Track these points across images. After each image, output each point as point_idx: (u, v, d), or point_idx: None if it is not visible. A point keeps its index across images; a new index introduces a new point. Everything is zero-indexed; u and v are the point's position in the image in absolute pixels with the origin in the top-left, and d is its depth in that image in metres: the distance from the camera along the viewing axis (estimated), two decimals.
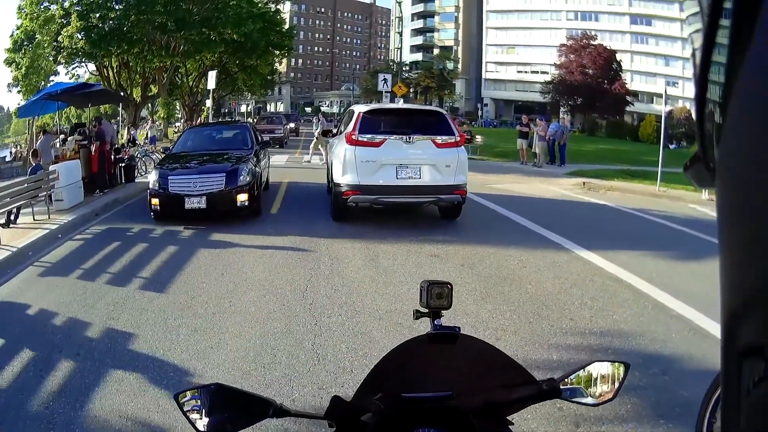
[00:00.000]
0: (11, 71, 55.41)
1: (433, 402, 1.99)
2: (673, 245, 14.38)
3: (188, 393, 1.93)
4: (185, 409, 1.88)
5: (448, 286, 2.23)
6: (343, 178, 14.96)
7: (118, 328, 8.87)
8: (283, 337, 8.36)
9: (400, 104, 24.36)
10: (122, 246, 14.03)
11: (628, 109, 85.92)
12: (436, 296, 2.20)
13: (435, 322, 2.19)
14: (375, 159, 14.72)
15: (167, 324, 8.98)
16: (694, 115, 0.87)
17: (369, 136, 14.88)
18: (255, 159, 17.82)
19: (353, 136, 14.90)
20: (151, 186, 16.41)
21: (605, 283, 10.96)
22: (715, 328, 8.55)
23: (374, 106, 17.29)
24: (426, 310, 2.23)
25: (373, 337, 8.31)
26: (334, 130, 19.65)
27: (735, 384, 0.77)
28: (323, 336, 8.40)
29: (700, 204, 21.99)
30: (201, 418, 1.87)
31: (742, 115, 0.73)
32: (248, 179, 16.27)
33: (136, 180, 25.32)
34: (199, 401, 1.91)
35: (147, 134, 48.62)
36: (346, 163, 14.91)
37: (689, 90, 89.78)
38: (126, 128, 41.70)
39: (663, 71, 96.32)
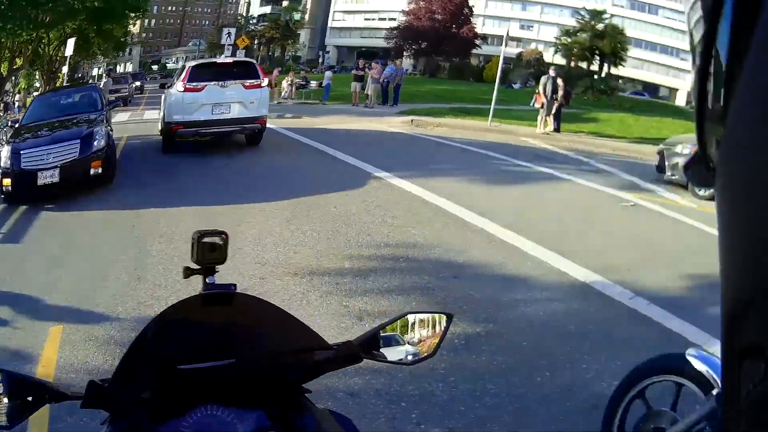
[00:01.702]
0: None
1: (215, 372, 1.84)
2: (486, 172, 15.33)
3: None
4: None
5: (223, 236, 2.00)
6: (173, 118, 18.18)
7: None
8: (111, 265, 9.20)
9: (223, 58, 27.14)
10: None
11: (475, 51, 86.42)
12: (209, 249, 1.98)
13: (207, 280, 1.99)
14: (197, 100, 18.03)
15: (19, 268, 9.64)
16: (694, 115, 0.90)
17: (194, 83, 18.22)
18: (107, 121, 16.74)
19: (183, 84, 18.35)
20: (2, 165, 14.24)
21: (410, 205, 11.70)
22: (515, 239, 9.59)
23: (201, 61, 22.62)
24: (198, 267, 2.00)
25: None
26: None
27: (735, 384, 0.76)
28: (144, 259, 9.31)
29: (533, 137, 23.01)
30: None
31: (742, 114, 0.73)
32: (103, 143, 14.90)
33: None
34: None
35: (14, 105, 48.72)
36: (175, 105, 18.36)
37: (545, 33, 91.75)
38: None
39: (518, 15, 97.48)
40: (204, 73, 18.85)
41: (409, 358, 2.04)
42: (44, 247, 10.66)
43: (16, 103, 52.37)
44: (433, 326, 2.06)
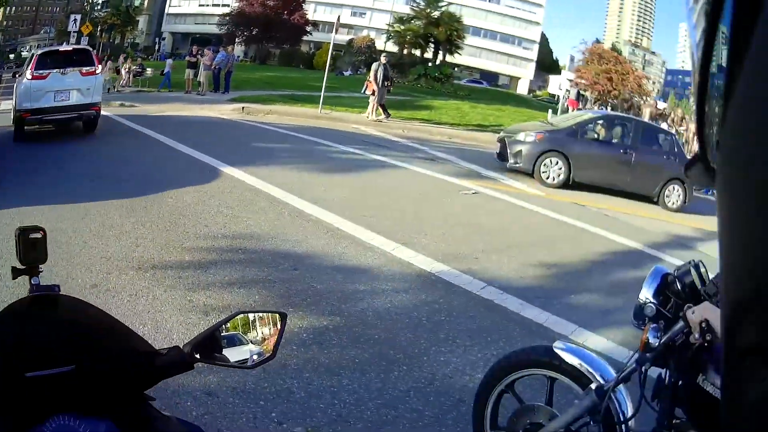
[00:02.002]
0: None
1: (59, 380, 1.67)
2: (318, 160, 15.34)
3: None
4: None
5: (41, 232, 1.92)
6: (22, 105, 18.38)
7: None
8: None
9: (65, 46, 26.89)
10: None
11: (305, 38, 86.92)
12: (31, 247, 1.90)
13: (32, 281, 1.88)
14: (42, 88, 18.45)
15: None
16: (694, 115, 0.88)
17: (40, 71, 18.82)
18: None
19: (31, 72, 18.92)
20: None
21: (243, 194, 11.50)
22: (353, 229, 9.49)
23: (46, 49, 23.24)
24: (23, 267, 1.90)
25: None
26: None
27: (735, 384, 0.77)
28: None
29: (365, 124, 23.26)
30: None
31: (742, 114, 0.72)
32: None
33: None
34: None
35: None
36: (24, 93, 18.58)
37: (377, 20, 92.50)
38: None
39: (351, 2, 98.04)
40: (49, 61, 19.54)
41: (255, 358, 1.91)
42: None
43: None
44: (273, 324, 1.96)
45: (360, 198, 11.81)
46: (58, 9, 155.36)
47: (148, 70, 42.05)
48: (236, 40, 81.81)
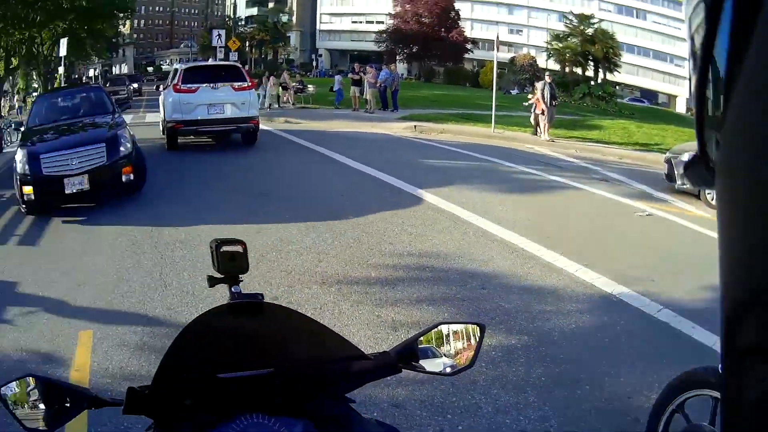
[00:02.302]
0: None
1: (254, 381, 1.79)
2: (496, 180, 15.37)
3: (10, 387, 1.79)
4: (10, 404, 1.76)
5: (242, 245, 1.98)
6: (172, 116, 19.87)
7: (4, 279, 9.32)
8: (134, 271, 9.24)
9: (210, 62, 31.26)
10: None
11: (467, 56, 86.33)
12: (228, 259, 1.97)
13: (233, 289, 1.95)
14: (192, 101, 19.95)
15: (44, 270, 9.60)
16: (694, 115, 0.89)
17: (188, 85, 20.27)
18: (125, 123, 15.60)
19: (177, 86, 20.47)
20: (19, 170, 12.74)
21: (426, 213, 11.73)
22: (537, 250, 9.59)
23: (191, 64, 25.86)
24: (221, 276, 1.99)
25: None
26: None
27: (735, 384, 0.76)
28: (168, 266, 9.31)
29: (538, 144, 23.08)
30: (27, 413, 1.77)
31: (742, 114, 0.73)
32: (129, 147, 13.80)
33: (4, 150, 25.24)
34: (13, 395, 1.78)
35: (16, 105, 50.39)
36: (173, 105, 20.14)
37: (534, 38, 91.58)
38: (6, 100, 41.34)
39: (506, 19, 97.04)
40: (195, 76, 21.05)
41: (448, 369, 2.02)
42: (62, 249, 10.65)
43: (17, 104, 53.16)
44: (467, 337, 2.04)
45: (541, 218, 11.83)
46: (196, 24, 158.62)
47: (310, 87, 42.34)
48: (396, 57, 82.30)
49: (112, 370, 6.28)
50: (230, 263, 1.96)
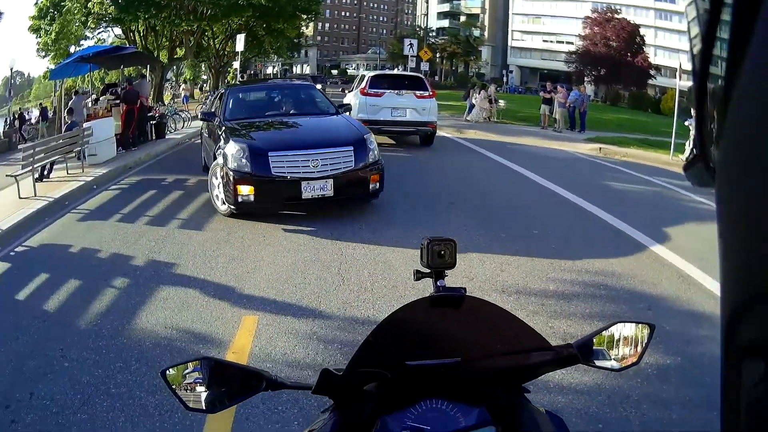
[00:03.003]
0: (37, 38, 55.72)
1: (441, 369, 1.82)
2: (667, 204, 15.36)
3: (174, 369, 1.87)
4: (174, 385, 1.83)
5: (452, 243, 2.07)
6: (358, 116, 20.70)
7: (161, 260, 9.68)
8: (312, 264, 9.45)
9: (395, 71, 34.36)
10: (158, 194, 14.64)
11: (650, 82, 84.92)
12: (438, 255, 2.05)
13: (438, 283, 2.05)
14: (377, 104, 22.81)
15: (206, 254, 9.90)
16: (693, 114, 0.85)
17: (374, 90, 23.18)
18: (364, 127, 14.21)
19: (364, 90, 23.29)
20: (233, 166, 11.53)
21: (604, 233, 11.77)
22: (703, 278, 9.33)
23: (378, 72, 28.66)
24: (428, 270, 2.09)
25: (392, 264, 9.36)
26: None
27: (735, 384, 0.76)
28: (347, 263, 9.51)
29: None
30: (192, 394, 1.84)
31: (742, 114, 0.72)
32: (377, 153, 12.58)
33: (166, 137, 26.90)
34: (189, 377, 1.87)
35: (182, 94, 53.33)
36: (360, 106, 22.35)
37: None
38: (166, 88, 43.21)
39: (686, 47, 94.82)
40: (382, 82, 23.88)
41: (616, 365, 2.03)
42: (230, 237, 10.95)
43: (182, 92, 55.08)
44: (637, 336, 2.05)
45: (709, 246, 11.42)
46: (384, 31, 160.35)
47: (501, 102, 42.27)
48: (585, 78, 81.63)
49: (274, 356, 6.48)
50: (439, 259, 2.06)
